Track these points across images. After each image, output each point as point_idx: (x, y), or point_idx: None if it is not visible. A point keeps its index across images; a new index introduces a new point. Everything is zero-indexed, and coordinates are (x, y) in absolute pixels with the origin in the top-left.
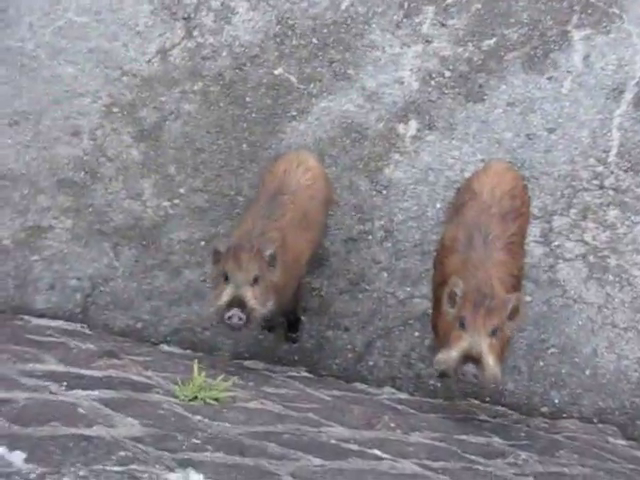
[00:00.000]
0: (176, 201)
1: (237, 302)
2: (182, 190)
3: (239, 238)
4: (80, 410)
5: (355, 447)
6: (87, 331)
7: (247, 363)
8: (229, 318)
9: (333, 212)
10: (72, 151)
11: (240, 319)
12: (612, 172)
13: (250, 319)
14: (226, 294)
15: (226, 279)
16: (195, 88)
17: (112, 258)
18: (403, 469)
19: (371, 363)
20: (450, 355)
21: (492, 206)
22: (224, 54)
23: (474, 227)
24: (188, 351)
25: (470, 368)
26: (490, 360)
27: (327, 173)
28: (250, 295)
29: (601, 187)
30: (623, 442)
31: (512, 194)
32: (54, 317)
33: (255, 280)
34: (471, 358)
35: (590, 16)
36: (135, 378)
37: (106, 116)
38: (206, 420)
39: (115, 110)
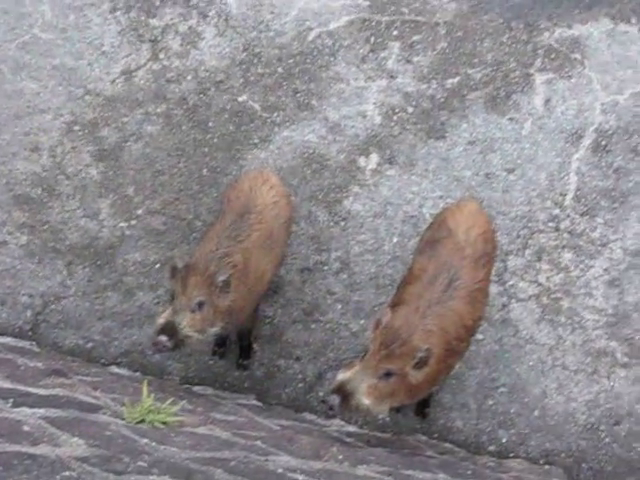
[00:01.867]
0: (133, 222)
1: (169, 329)
2: (140, 211)
3: (198, 258)
4: (25, 428)
5: (302, 477)
6: (36, 349)
7: (196, 388)
8: (154, 344)
9: (290, 241)
10: (30, 167)
11: (164, 347)
12: (568, 215)
13: (179, 346)
14: (163, 317)
15: (172, 299)
16: (158, 110)
17: (65, 276)
18: None
19: (321, 394)
20: (336, 377)
21: (466, 248)
22: (189, 78)
23: (444, 266)
24: (137, 373)
25: (332, 399)
26: (364, 399)
27: (289, 191)
28: (186, 322)
29: (557, 229)
30: None
31: (485, 237)
32: (3, 333)
33: (199, 305)
34: (342, 390)
35: (553, 61)
36: (83, 398)
37: (67, 134)
38: (153, 443)
39: (76, 128)
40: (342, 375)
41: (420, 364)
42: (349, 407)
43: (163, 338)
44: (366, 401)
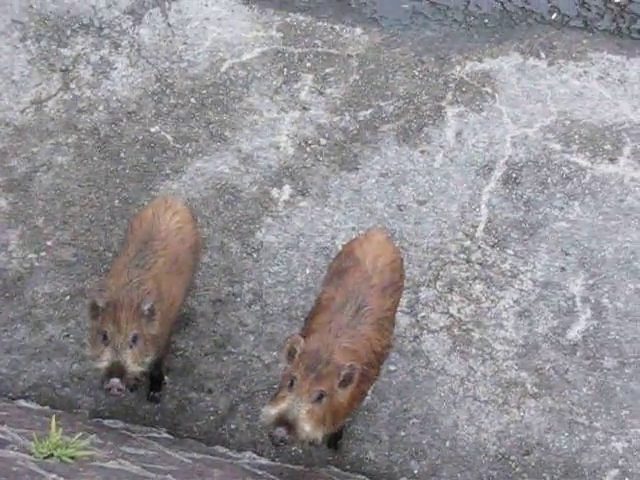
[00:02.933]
0: (43, 253)
1: (117, 369)
2: (49, 243)
3: (116, 292)
4: None
5: None
6: None
7: (107, 422)
8: (108, 389)
9: (202, 272)
10: None
11: (119, 390)
12: (479, 247)
13: (129, 384)
14: (105, 359)
15: (104, 338)
16: (69, 141)
17: None
18: None
19: (233, 426)
20: (269, 412)
21: (373, 277)
22: (101, 108)
23: (352, 294)
24: (46, 407)
25: (278, 432)
26: (306, 426)
27: (195, 217)
28: (129, 360)
29: (468, 261)
30: None
31: (393, 267)
32: None
33: (134, 339)
34: (285, 422)
35: (464, 94)
36: None
37: None
38: (61, 479)
39: None
40: (276, 407)
41: (345, 381)
42: (295, 437)
43: (115, 381)
44: (307, 427)
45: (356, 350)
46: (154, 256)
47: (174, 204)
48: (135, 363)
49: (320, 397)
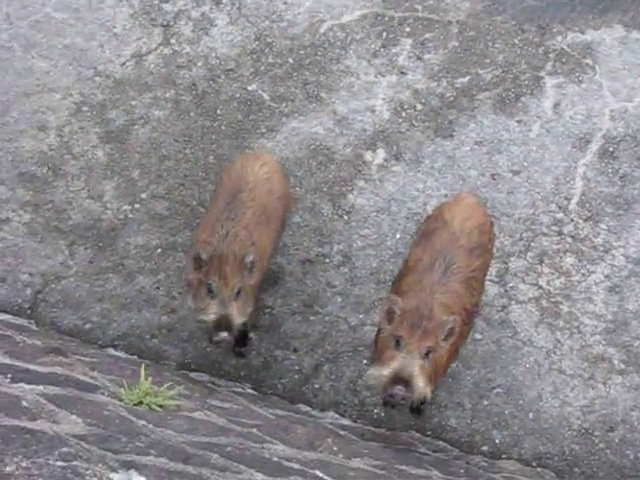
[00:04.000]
0: (137, 206)
1: (225, 323)
2: (144, 195)
3: (219, 245)
4: (24, 403)
5: (297, 466)
6: (34, 327)
7: (193, 375)
8: (217, 342)
9: (292, 233)
10: (37, 145)
11: (229, 342)
12: (572, 220)
13: (236, 332)
14: (213, 312)
15: (210, 291)
16: (167, 95)
17: (67, 256)
18: None
19: (317, 386)
20: (381, 373)
21: (461, 238)
22: (199, 64)
23: (439, 253)
24: (134, 357)
25: (399, 390)
26: (420, 382)
27: (284, 169)
28: (235, 312)
29: (560, 234)
30: None
31: (481, 229)
32: (2, 310)
33: (238, 292)
34: (401, 379)
35: (564, 65)
36: (81, 377)
37: (75, 114)
38: (150, 425)
39: (85, 109)
40: (389, 367)
41: (449, 335)
42: (412, 394)
43: (225, 334)
44: (421, 383)
45: (450, 305)
46: (243, 207)
47: (262, 156)
48: (240, 315)
49: (428, 353)
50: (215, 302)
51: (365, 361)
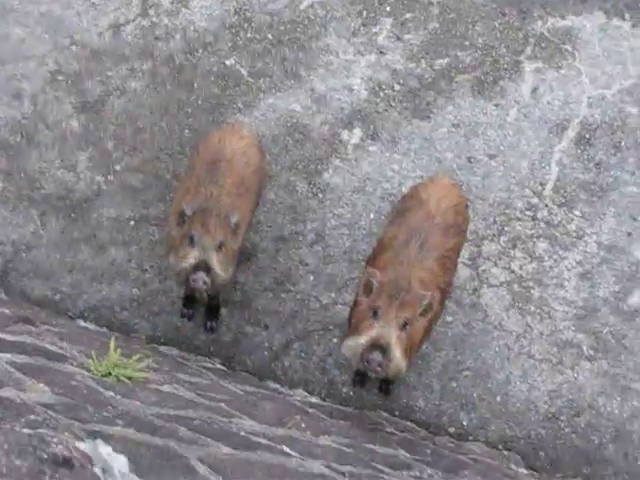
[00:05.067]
0: (110, 177)
1: (203, 266)
2: (117, 167)
3: (205, 202)
4: None
5: (264, 441)
6: (3, 296)
7: (162, 348)
8: (194, 281)
9: (266, 209)
10: (11, 113)
11: (205, 283)
12: (546, 205)
13: (213, 283)
14: (192, 257)
15: (191, 242)
16: (144, 67)
17: (38, 226)
18: (311, 468)
19: (286, 364)
20: (358, 342)
21: (436, 216)
22: (177, 37)
23: (415, 231)
24: (104, 329)
25: (376, 356)
26: (397, 352)
27: (260, 144)
28: (215, 259)
29: (534, 219)
30: (524, 471)
31: (457, 210)
32: None
33: (220, 246)
34: (378, 347)
35: (543, 50)
36: (50, 347)
37: (50, 83)
38: (118, 397)
39: (60, 78)
40: (366, 335)
41: (426, 310)
42: (388, 362)
43: (202, 274)
44: (398, 353)
45: (426, 283)
46: (223, 176)
47: (240, 129)
48: (220, 267)
49: (405, 324)
50: (196, 249)
51: (336, 340)
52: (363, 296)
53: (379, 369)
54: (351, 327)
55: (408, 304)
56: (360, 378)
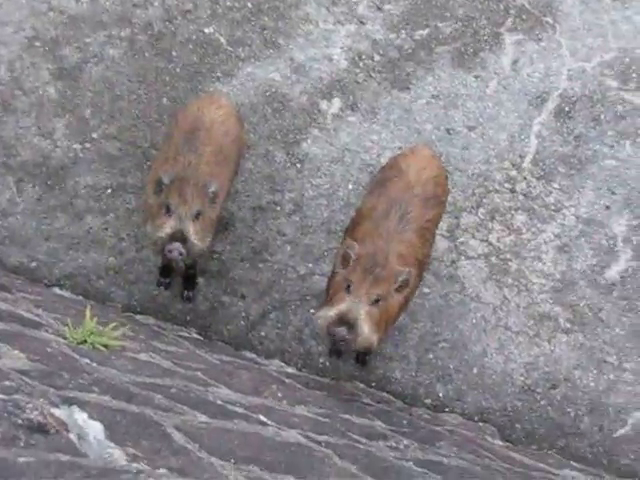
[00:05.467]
0: (87, 145)
1: (179, 236)
2: (95, 135)
3: (182, 170)
4: None
5: (241, 410)
6: None
7: (139, 317)
8: (170, 251)
9: (244, 179)
10: None
11: (181, 254)
12: (525, 178)
13: (190, 254)
14: (169, 226)
15: (168, 211)
16: (122, 34)
17: (14, 193)
18: (287, 437)
19: (263, 334)
20: (327, 314)
21: (416, 187)
22: (156, 4)
23: (394, 202)
24: (80, 297)
25: (341, 330)
26: (365, 327)
27: (239, 113)
28: (192, 230)
29: (512, 191)
30: (500, 443)
31: (436, 181)
32: None
33: (197, 215)
34: (346, 322)
35: (524, 22)
36: (25, 314)
37: (27, 49)
38: (94, 364)
39: (37, 44)
40: (335, 308)
41: (402, 286)
42: (354, 337)
43: (177, 244)
44: (366, 329)
45: (404, 255)
46: (202, 145)
47: (218, 99)
48: (196, 236)
49: (377, 300)
50: (172, 219)
51: (312, 310)
52: (340, 267)
53: (343, 343)
54: (326, 297)
55: (382, 280)
56: (336, 349)
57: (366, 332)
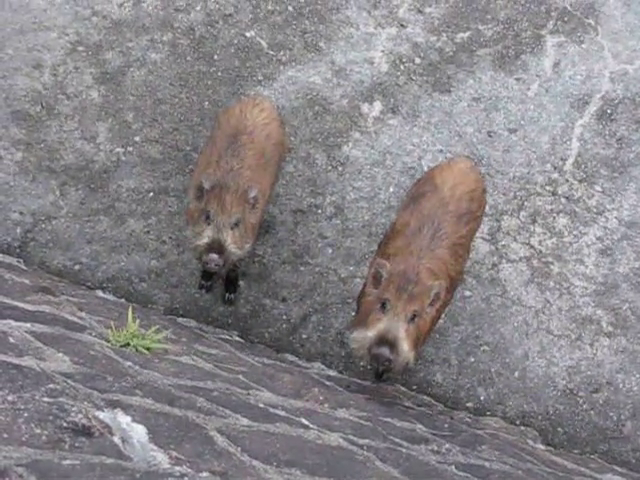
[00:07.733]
0: (130, 149)
1: (217, 246)
2: (137, 138)
3: (222, 177)
4: (11, 339)
5: (283, 413)
6: (23, 266)
7: (180, 320)
8: (206, 262)
9: (285, 182)
10: (31, 84)
11: (217, 265)
12: (567, 180)
13: (227, 263)
14: (206, 235)
15: (207, 218)
16: (164, 38)
17: (58, 197)
18: (329, 440)
19: (304, 336)
20: (366, 335)
21: (450, 203)
22: (198, 8)
23: (427, 218)
24: (122, 300)
25: (384, 351)
26: (405, 345)
27: (281, 116)
28: (230, 239)
29: (554, 194)
30: (542, 447)
31: (471, 196)
32: None
33: (236, 223)
34: (387, 341)
35: (566, 24)
36: (69, 317)
37: (70, 53)
38: (137, 367)
39: (80, 49)
40: (374, 329)
41: (434, 300)
42: (397, 356)
43: (214, 256)
44: (406, 347)
45: (436, 272)
46: (244, 148)
47: (261, 102)
48: (234, 244)
49: (413, 317)
50: (210, 227)
51: (353, 313)
52: (371, 287)
53: (387, 364)
54: (359, 317)
55: (417, 296)
56: (376, 370)
57: (406, 350)
